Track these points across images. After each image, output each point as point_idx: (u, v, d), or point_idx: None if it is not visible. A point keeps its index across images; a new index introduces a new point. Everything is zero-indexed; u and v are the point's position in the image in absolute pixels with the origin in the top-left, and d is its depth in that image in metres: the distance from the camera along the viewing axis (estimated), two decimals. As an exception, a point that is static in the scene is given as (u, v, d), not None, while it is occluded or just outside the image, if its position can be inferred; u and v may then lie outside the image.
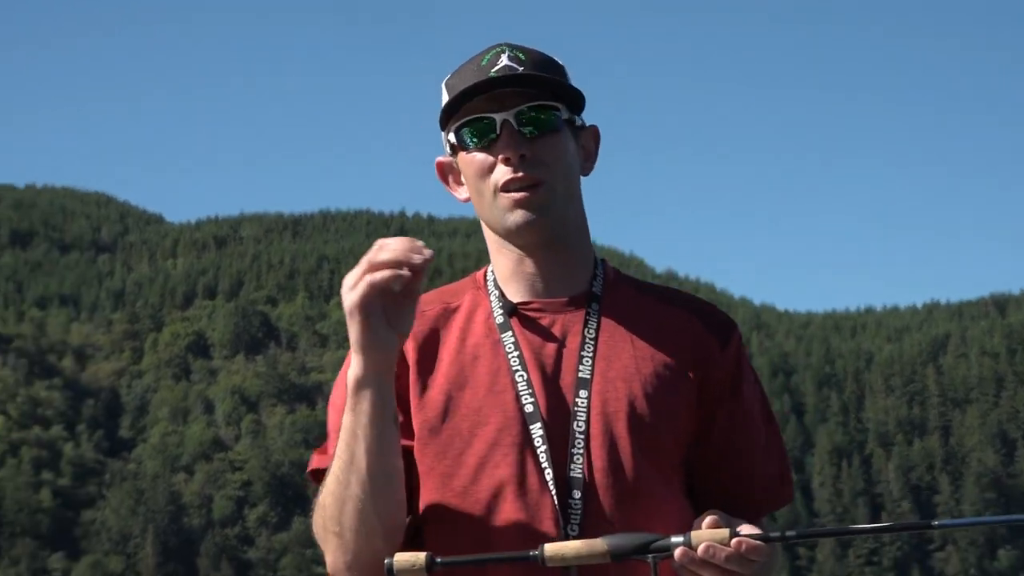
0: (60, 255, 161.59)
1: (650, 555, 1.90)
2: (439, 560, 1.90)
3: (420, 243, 1.92)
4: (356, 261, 1.93)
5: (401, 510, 2.03)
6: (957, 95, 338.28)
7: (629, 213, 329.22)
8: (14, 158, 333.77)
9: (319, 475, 2.08)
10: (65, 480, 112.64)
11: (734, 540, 1.86)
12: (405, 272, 1.90)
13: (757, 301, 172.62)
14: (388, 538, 2.02)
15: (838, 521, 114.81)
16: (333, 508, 2.01)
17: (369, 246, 1.95)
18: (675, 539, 1.89)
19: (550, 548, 1.90)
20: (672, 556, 1.90)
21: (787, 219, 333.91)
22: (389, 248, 1.91)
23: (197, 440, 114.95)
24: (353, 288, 1.92)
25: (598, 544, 1.90)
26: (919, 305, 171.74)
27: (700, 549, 1.87)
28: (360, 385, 1.96)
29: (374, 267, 1.91)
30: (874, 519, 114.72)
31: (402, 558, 1.90)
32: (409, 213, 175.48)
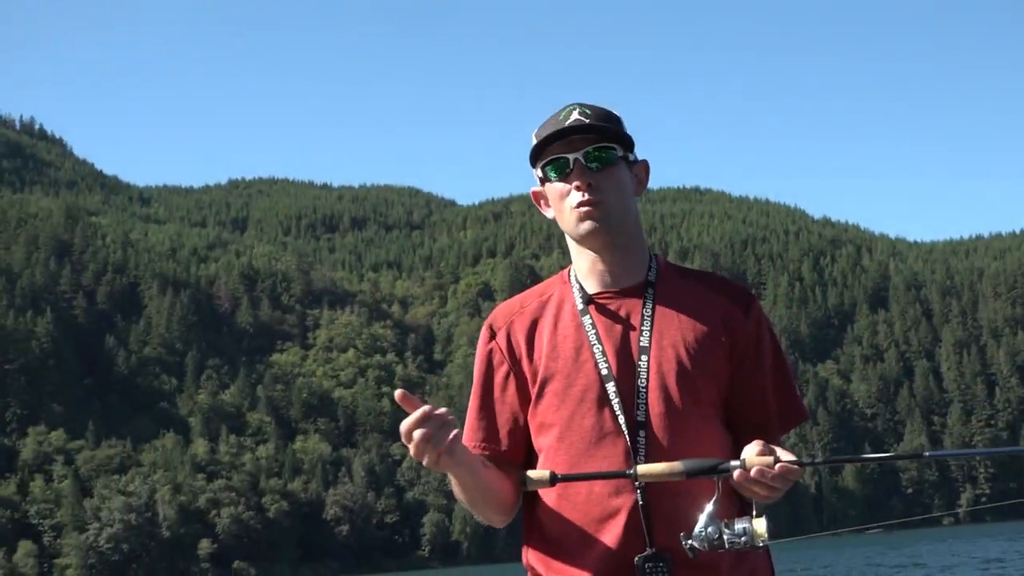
0: (386, 233, 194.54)
1: (716, 474, 2.36)
2: (559, 476, 2.48)
3: (438, 412, 2.34)
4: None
5: (509, 499, 2.62)
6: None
7: (792, 171, 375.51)
8: (352, 164, 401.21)
9: None
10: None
11: (778, 465, 2.31)
12: (449, 436, 2.35)
13: (892, 235, 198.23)
14: (506, 513, 2.63)
15: (961, 394, 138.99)
16: (464, 501, 2.59)
17: None
18: (734, 463, 2.33)
19: (642, 468, 2.39)
20: (731, 475, 2.34)
21: (915, 166, 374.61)
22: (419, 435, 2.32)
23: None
24: (421, 456, 2.35)
25: (676, 465, 2.36)
26: (1017, 230, 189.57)
27: (753, 471, 2.32)
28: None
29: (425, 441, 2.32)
30: (990, 393, 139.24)
31: (533, 474, 2.48)
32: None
